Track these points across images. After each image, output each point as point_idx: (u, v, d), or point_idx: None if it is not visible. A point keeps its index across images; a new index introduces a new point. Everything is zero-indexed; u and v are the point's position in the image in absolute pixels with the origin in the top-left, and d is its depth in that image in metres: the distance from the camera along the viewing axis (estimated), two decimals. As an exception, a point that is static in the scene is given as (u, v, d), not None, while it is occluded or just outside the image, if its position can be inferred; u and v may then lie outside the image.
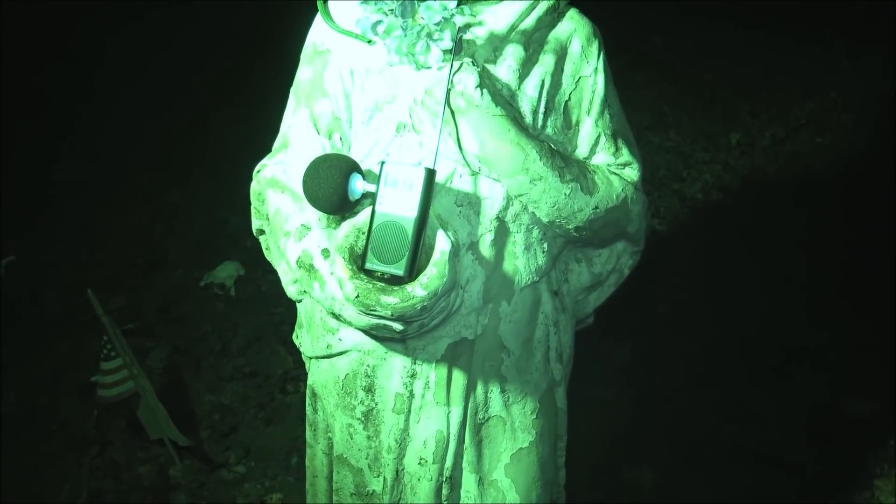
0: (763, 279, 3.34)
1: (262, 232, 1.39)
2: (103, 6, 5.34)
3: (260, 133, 1.91)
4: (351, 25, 1.19)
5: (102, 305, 2.42)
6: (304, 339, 1.41)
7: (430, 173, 1.11)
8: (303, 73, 1.30)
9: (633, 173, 1.33)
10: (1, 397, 2.86)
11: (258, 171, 1.35)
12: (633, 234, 1.37)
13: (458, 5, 1.13)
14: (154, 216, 4.08)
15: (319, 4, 1.26)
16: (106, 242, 3.87)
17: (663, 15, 5.88)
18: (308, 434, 1.50)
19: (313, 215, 1.23)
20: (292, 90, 1.33)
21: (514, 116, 1.20)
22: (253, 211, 1.38)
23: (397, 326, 1.14)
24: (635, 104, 5.37)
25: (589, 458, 2.31)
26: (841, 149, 4.46)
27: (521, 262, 1.26)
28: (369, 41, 1.19)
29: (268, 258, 1.42)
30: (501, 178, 1.20)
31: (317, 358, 1.38)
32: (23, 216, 3.97)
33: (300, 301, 1.40)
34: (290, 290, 1.37)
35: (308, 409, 1.47)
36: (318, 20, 1.28)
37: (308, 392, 1.46)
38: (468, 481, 1.37)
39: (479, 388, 1.31)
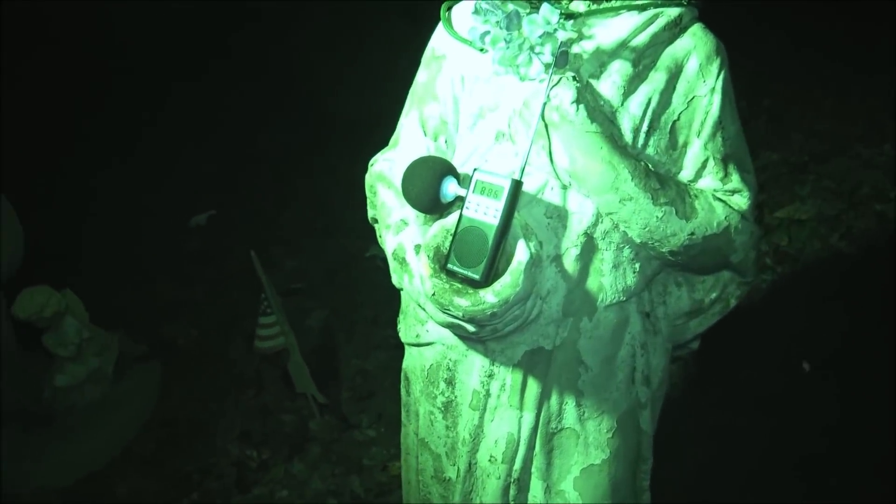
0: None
1: (375, 220, 1.49)
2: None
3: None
4: (467, 33, 1.23)
5: (277, 264, 2.69)
6: (402, 325, 1.50)
7: (517, 184, 1.14)
8: (420, 76, 1.37)
9: (742, 201, 1.26)
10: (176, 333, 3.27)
11: (371, 165, 1.44)
12: (739, 265, 1.30)
13: (567, 19, 1.14)
14: (337, 185, 4.38)
15: (442, 11, 1.32)
16: (292, 206, 4.23)
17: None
18: (403, 414, 1.59)
19: (412, 212, 1.30)
20: (410, 91, 1.40)
21: (611, 134, 1.18)
22: (368, 202, 1.47)
23: (469, 328, 1.18)
24: (850, 112, 4.87)
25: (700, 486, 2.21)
26: None
27: (607, 279, 1.25)
28: (482, 49, 1.22)
29: (380, 245, 1.52)
30: (590, 195, 1.19)
31: (409, 345, 1.46)
32: (226, 177, 4.45)
33: (402, 289, 1.48)
34: (394, 279, 1.45)
35: (402, 391, 1.56)
36: (440, 27, 1.33)
37: (402, 375, 1.54)
38: (535, 487, 1.38)
39: (554, 399, 1.32)
